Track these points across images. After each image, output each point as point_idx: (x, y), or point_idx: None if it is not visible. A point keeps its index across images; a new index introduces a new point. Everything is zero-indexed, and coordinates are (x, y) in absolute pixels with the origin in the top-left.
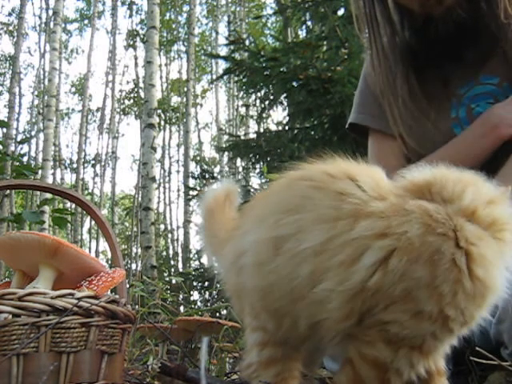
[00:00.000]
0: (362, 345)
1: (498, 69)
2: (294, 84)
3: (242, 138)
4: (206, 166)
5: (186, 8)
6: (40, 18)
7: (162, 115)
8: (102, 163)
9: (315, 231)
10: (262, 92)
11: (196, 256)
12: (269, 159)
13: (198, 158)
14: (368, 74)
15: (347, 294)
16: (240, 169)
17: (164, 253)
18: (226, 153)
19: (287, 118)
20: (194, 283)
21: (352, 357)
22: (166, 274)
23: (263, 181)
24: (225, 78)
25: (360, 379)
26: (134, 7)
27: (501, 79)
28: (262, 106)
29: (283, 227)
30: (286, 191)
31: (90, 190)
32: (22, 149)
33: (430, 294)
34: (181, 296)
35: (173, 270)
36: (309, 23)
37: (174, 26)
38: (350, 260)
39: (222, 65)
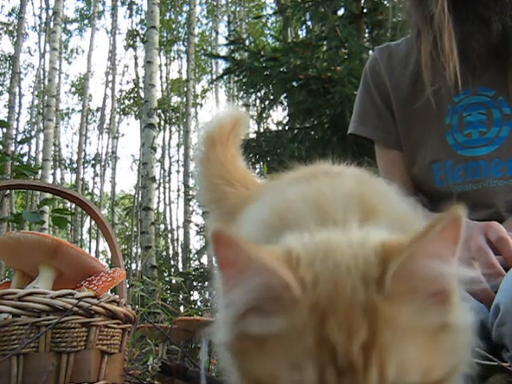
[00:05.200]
0: None
1: (495, 82)
2: (294, 84)
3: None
4: None
5: (186, 8)
6: (40, 18)
7: (162, 115)
8: (102, 163)
9: None
10: (262, 92)
11: (196, 256)
12: (269, 159)
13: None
14: (372, 75)
15: None
16: None
17: (164, 253)
18: None
19: (287, 118)
20: (194, 283)
21: None
22: (166, 274)
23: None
24: (225, 77)
25: None
26: (134, 7)
27: (497, 92)
28: (262, 105)
29: None
30: None
31: (90, 190)
32: (22, 149)
33: None
34: (181, 296)
35: (173, 269)
36: (309, 23)
37: (174, 26)
38: None
39: (222, 65)
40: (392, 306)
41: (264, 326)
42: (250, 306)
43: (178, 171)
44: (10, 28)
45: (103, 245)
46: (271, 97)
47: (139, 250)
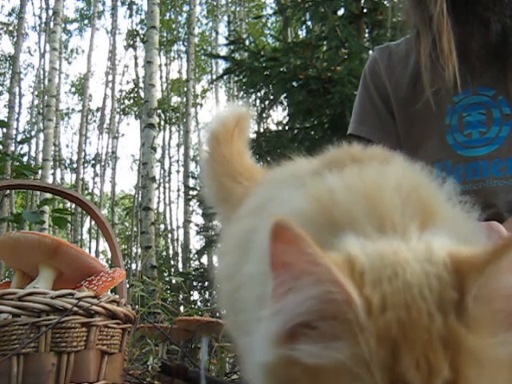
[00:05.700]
0: None
1: (495, 82)
2: (294, 84)
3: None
4: None
5: (186, 8)
6: (40, 18)
7: (162, 115)
8: (102, 163)
9: None
10: (262, 92)
11: (196, 256)
12: (269, 159)
13: (198, 158)
14: (372, 75)
15: None
16: None
17: (164, 253)
18: None
19: (287, 118)
20: (194, 283)
21: None
22: (166, 274)
23: None
24: (225, 77)
25: None
26: (134, 7)
27: (497, 92)
28: (262, 106)
29: None
30: None
31: (90, 190)
32: (22, 149)
33: None
34: (181, 296)
35: (173, 269)
36: (309, 23)
37: (174, 25)
38: None
39: (222, 65)
40: (476, 337)
41: (319, 353)
42: (302, 321)
43: (178, 171)
44: (10, 28)
45: (103, 245)
46: (271, 97)
47: (139, 250)
